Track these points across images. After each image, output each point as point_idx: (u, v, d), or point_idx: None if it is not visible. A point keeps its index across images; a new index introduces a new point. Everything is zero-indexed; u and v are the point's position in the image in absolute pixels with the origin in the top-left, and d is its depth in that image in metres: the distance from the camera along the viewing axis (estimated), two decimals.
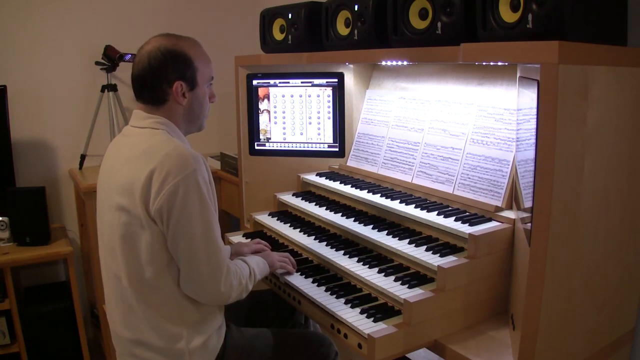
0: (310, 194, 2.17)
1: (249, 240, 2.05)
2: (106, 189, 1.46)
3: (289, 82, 2.24)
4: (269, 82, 2.27)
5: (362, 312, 1.43)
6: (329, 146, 2.24)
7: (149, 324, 1.39)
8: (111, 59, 2.75)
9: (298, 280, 1.66)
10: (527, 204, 1.24)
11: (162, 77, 1.42)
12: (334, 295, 1.54)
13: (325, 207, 1.98)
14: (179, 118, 1.48)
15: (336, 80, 2.17)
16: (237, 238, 2.09)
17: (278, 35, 2.21)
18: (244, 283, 1.48)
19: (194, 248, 1.35)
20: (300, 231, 1.94)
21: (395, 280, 1.50)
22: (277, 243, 1.99)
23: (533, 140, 1.17)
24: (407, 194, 1.85)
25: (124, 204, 1.36)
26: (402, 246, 1.58)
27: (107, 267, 1.46)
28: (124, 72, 2.98)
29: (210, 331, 1.45)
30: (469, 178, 1.70)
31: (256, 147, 2.34)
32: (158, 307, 1.39)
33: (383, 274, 1.54)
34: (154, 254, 1.37)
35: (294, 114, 2.26)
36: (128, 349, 1.42)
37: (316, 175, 2.20)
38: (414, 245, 1.58)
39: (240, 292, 1.47)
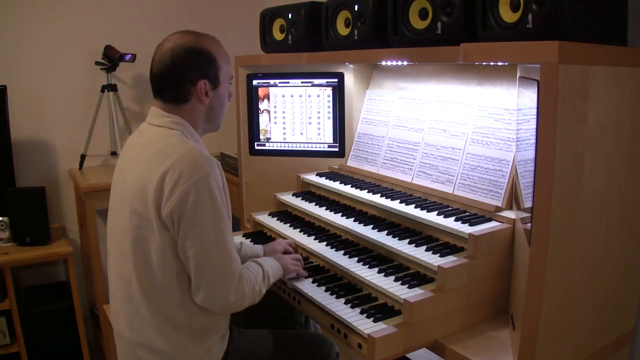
0: (310, 194, 2.17)
1: (249, 240, 2.05)
2: (119, 190, 1.44)
3: (289, 82, 2.24)
4: (269, 82, 2.27)
5: (362, 312, 1.43)
6: (329, 146, 2.24)
7: (156, 328, 1.38)
8: (111, 59, 2.76)
9: (298, 281, 1.66)
10: (527, 204, 1.24)
11: (186, 76, 1.39)
12: (334, 295, 1.54)
13: (325, 207, 1.98)
14: (199, 117, 1.46)
15: (336, 80, 2.17)
16: (237, 238, 2.09)
17: (278, 35, 2.21)
18: (257, 289, 1.44)
19: (204, 255, 1.32)
20: (300, 231, 1.94)
21: (395, 280, 1.50)
22: None
23: (533, 140, 1.17)
24: (407, 194, 1.85)
25: (136, 207, 1.34)
26: (402, 246, 1.58)
27: (116, 268, 1.44)
28: (124, 72, 2.98)
29: (215, 339, 1.44)
30: (469, 178, 1.70)
31: (256, 147, 2.34)
32: (167, 312, 1.37)
33: (383, 274, 1.54)
34: (165, 259, 1.34)
35: (294, 114, 2.26)
36: (131, 351, 1.42)
37: (316, 175, 2.20)
38: (414, 245, 1.58)
39: (254, 298, 1.43)
